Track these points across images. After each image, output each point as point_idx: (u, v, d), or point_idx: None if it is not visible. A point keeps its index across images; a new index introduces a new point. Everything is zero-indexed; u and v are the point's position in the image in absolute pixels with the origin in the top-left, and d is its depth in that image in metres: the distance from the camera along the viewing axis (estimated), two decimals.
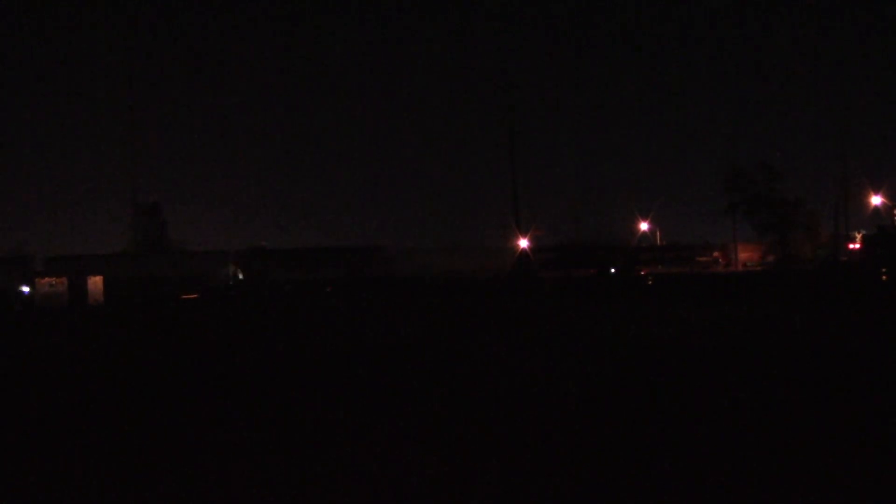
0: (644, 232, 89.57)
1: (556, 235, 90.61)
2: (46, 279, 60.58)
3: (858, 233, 79.18)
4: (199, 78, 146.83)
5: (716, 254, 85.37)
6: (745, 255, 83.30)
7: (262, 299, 51.94)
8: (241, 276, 68.56)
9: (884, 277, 46.27)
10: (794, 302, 29.61)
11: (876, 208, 76.65)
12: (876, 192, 75.79)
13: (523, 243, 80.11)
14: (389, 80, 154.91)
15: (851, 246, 77.86)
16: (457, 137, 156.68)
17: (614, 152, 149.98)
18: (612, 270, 76.06)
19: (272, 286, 66.79)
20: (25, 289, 59.56)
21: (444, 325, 26.05)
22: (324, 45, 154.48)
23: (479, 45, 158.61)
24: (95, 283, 61.69)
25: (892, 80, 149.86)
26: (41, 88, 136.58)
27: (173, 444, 9.58)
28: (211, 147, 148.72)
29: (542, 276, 74.72)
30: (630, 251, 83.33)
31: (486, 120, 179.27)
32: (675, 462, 8.03)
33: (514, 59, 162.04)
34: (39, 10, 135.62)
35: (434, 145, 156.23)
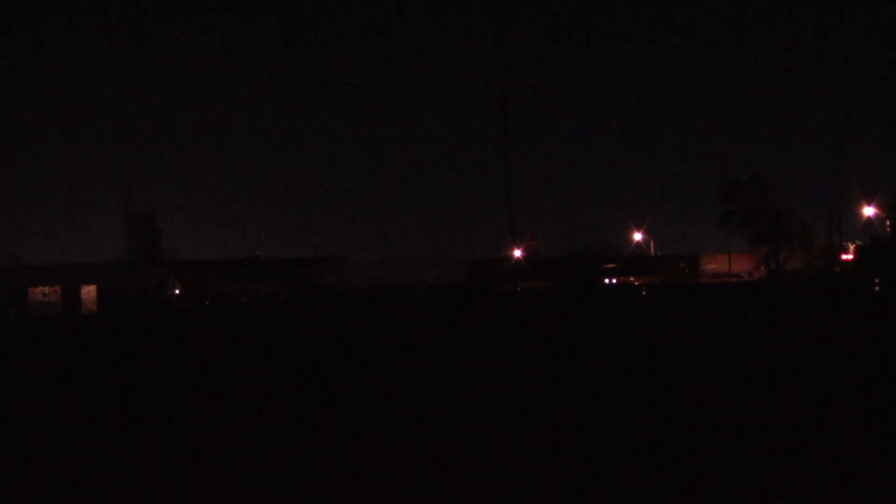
0: (638, 242, 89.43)
1: (552, 245, 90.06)
2: (40, 288, 60.35)
3: (852, 243, 79.43)
4: (194, 85, 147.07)
5: (681, 265, 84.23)
6: (740, 266, 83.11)
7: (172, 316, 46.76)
8: (177, 290, 65.37)
9: (877, 288, 46.41)
10: (746, 312, 29.47)
11: (869, 219, 76.90)
12: (869, 203, 76.06)
13: (517, 253, 79.84)
14: (383, 87, 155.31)
15: (845, 257, 78.08)
16: (450, 146, 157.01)
17: (610, 162, 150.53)
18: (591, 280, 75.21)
19: (199, 300, 63.24)
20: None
21: (376, 340, 23.93)
22: (315, 52, 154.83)
23: (474, 54, 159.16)
24: (88, 292, 61.50)
25: (885, 90, 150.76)
26: (33, 96, 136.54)
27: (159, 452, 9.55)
28: (206, 156, 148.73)
29: (502, 288, 72.77)
30: (594, 262, 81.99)
31: (478, 128, 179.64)
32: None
33: (508, 69, 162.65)
34: (32, 19, 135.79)
35: (426, 154, 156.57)
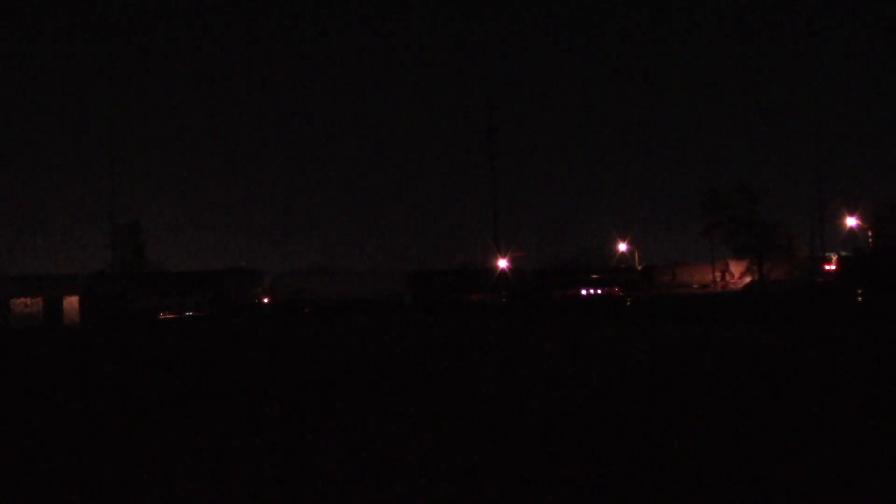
0: (623, 252, 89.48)
1: (541, 256, 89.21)
2: (22, 299, 59.73)
3: (835, 254, 79.99)
4: (179, 94, 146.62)
5: (633, 276, 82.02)
6: (701, 277, 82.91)
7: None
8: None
9: (859, 298, 46.70)
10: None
11: (851, 230, 77.46)
12: (851, 214, 76.64)
13: (503, 263, 79.40)
14: (367, 96, 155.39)
15: (827, 267, 78.60)
16: (434, 158, 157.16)
17: (595, 173, 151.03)
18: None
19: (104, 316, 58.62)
20: None
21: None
22: (301, 61, 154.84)
23: (461, 68, 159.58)
24: (71, 302, 60.92)
25: (867, 102, 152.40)
26: (15, 105, 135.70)
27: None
28: (192, 165, 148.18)
29: (444, 300, 68.40)
30: (539, 274, 77.92)
31: (463, 138, 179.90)
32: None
33: (495, 80, 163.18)
34: (15, 28, 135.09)
35: (413, 167, 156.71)
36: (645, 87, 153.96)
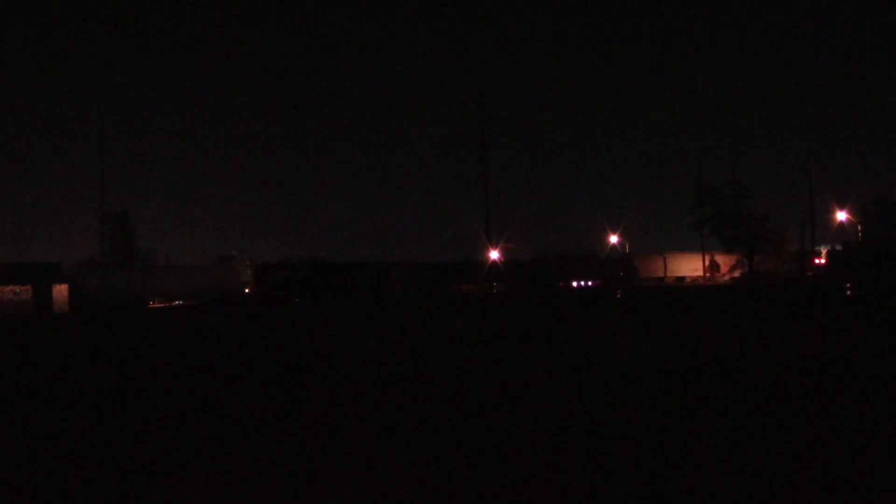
0: (614, 244, 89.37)
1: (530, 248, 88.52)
2: (10, 287, 59.37)
3: (825, 248, 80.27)
4: (170, 84, 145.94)
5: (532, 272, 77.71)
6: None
7: None
8: None
9: (848, 293, 46.85)
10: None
11: (841, 224, 77.80)
12: (841, 209, 76.91)
13: (494, 255, 79.03)
14: (360, 88, 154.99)
15: (817, 261, 78.92)
16: (422, 152, 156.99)
17: (586, 166, 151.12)
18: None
19: None
20: None
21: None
22: (295, 54, 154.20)
23: (450, 59, 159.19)
24: (61, 291, 60.62)
25: (858, 98, 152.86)
26: (6, 93, 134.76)
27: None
28: (182, 155, 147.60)
29: (286, 297, 60.73)
30: (408, 267, 70.52)
31: (451, 131, 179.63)
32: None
33: (485, 79, 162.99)
34: (3, 18, 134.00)
35: (405, 159, 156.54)
36: (639, 81, 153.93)
